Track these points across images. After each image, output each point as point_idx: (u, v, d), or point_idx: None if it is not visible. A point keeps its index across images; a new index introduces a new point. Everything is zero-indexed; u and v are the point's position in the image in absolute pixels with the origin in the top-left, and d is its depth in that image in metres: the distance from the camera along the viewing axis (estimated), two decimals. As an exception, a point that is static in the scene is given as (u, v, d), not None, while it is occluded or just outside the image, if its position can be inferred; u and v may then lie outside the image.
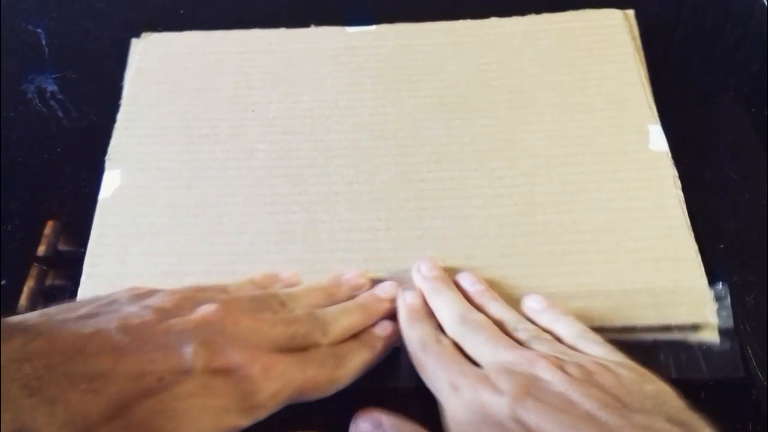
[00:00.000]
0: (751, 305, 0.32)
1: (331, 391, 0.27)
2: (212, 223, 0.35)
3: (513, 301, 0.31)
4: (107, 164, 0.37)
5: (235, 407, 0.24)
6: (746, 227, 0.34)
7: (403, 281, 0.32)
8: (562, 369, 0.25)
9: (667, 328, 0.31)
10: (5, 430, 0.19)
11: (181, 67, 0.41)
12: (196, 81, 0.41)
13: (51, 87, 0.42)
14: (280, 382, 0.25)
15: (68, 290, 0.34)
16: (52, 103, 0.41)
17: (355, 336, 0.30)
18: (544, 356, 0.26)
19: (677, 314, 0.31)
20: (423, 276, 0.32)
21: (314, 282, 0.32)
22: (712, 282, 0.32)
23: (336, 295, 0.31)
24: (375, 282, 0.32)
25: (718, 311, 0.31)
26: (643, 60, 0.40)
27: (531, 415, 0.23)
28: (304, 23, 0.43)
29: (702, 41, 0.43)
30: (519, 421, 0.23)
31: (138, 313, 0.25)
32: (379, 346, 0.30)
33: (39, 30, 0.46)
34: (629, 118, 0.37)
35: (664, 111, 0.38)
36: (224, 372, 0.24)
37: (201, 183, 0.36)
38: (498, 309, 0.30)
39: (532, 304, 0.31)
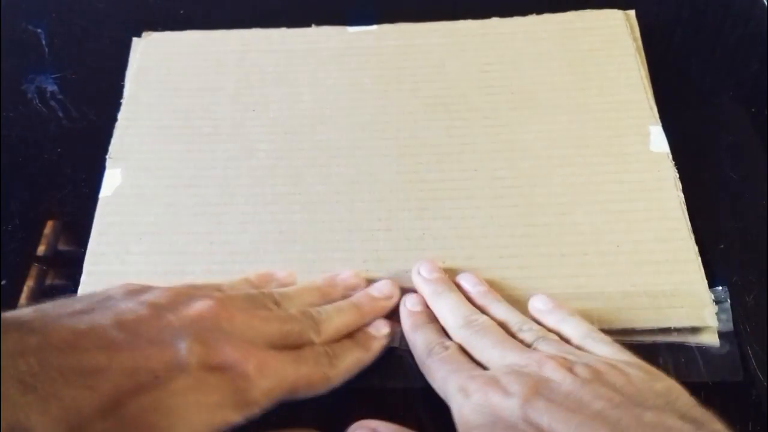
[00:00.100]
0: (751, 305, 0.32)
1: (324, 389, 0.28)
2: (212, 222, 0.35)
3: (513, 302, 0.31)
4: (108, 163, 0.37)
5: (229, 403, 0.24)
6: (746, 227, 0.34)
7: (403, 282, 0.32)
8: (570, 370, 0.25)
9: (666, 331, 0.31)
10: None
11: (182, 66, 0.41)
12: (196, 80, 0.41)
13: (51, 87, 0.42)
14: (273, 379, 0.25)
15: (68, 290, 0.34)
16: (52, 102, 0.41)
17: (349, 335, 0.30)
18: (552, 357, 0.26)
19: (677, 317, 0.31)
20: (423, 278, 0.32)
21: (309, 282, 0.32)
22: (712, 283, 0.32)
23: (330, 295, 0.31)
24: (370, 282, 0.32)
25: (718, 314, 0.31)
26: (644, 60, 0.40)
27: (542, 416, 0.23)
28: (305, 23, 0.43)
29: (702, 42, 0.43)
30: (531, 423, 0.23)
31: (133, 309, 0.25)
32: (373, 345, 0.30)
33: (39, 30, 0.45)
34: (630, 119, 0.37)
35: (664, 111, 0.38)
36: (219, 368, 0.24)
37: (201, 182, 0.36)
38: (501, 310, 0.30)
39: (538, 305, 0.31)
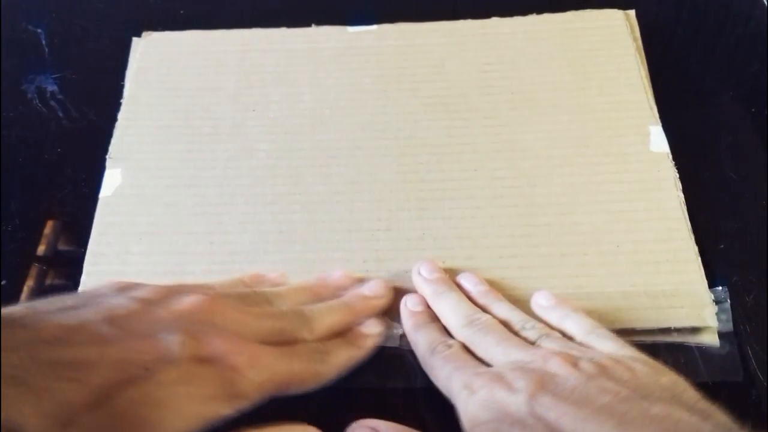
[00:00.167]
0: (751, 305, 0.32)
1: (316, 385, 0.28)
2: (212, 222, 0.35)
3: (513, 302, 0.31)
4: (108, 163, 0.37)
5: (220, 395, 0.24)
6: (746, 227, 0.34)
7: (403, 282, 0.32)
8: (575, 365, 0.25)
9: (666, 331, 0.31)
10: None
11: (182, 66, 0.41)
12: (196, 80, 0.41)
13: (51, 87, 0.42)
14: (265, 372, 0.25)
15: (68, 290, 0.34)
16: (53, 103, 0.41)
17: (341, 334, 0.30)
18: (557, 353, 0.26)
19: (677, 317, 0.31)
20: (424, 278, 0.32)
21: (300, 282, 0.32)
22: (712, 283, 0.32)
23: (322, 295, 0.31)
24: (361, 282, 0.32)
25: (718, 314, 0.31)
26: (644, 60, 0.40)
27: (549, 410, 0.23)
28: (305, 23, 0.43)
29: (702, 42, 0.43)
30: (538, 418, 0.23)
31: (123, 304, 0.25)
32: (364, 343, 0.30)
33: (39, 30, 0.45)
34: (630, 119, 0.37)
35: (664, 111, 0.38)
36: (209, 360, 0.24)
37: (201, 182, 0.36)
38: (503, 309, 0.30)
39: (541, 301, 0.31)
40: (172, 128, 0.39)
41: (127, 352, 0.23)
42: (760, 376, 0.30)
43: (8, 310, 0.23)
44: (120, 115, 0.39)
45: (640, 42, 0.41)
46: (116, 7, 0.47)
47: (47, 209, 0.37)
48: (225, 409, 0.24)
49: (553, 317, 0.30)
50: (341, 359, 0.28)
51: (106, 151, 0.38)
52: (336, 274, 0.32)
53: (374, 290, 0.31)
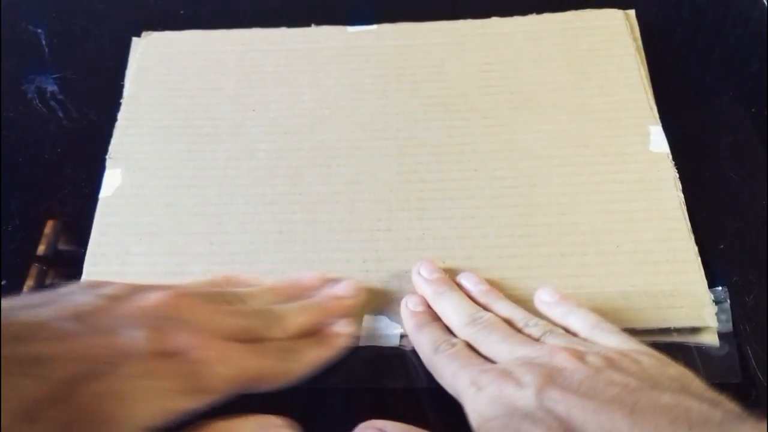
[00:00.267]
0: (751, 305, 0.32)
1: (286, 383, 0.27)
2: (212, 222, 0.35)
3: (513, 302, 0.31)
4: (108, 163, 0.37)
5: (185, 390, 0.24)
6: (746, 227, 0.34)
7: (404, 282, 0.32)
8: (582, 359, 0.25)
9: (666, 331, 0.31)
10: None
11: (182, 66, 0.41)
12: (196, 80, 0.41)
13: (51, 87, 0.42)
14: (233, 367, 0.25)
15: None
16: (53, 103, 0.41)
17: (312, 333, 0.30)
18: (564, 348, 0.26)
19: (676, 317, 0.31)
20: (424, 278, 0.32)
21: (273, 282, 0.32)
22: (711, 283, 0.32)
23: (294, 295, 0.31)
24: (334, 282, 0.32)
25: (718, 314, 0.31)
26: (644, 60, 0.40)
27: (558, 403, 0.23)
28: (304, 23, 0.43)
29: (702, 42, 0.43)
30: (548, 411, 0.23)
31: (89, 301, 0.25)
32: (335, 343, 0.29)
33: (39, 30, 0.46)
34: (630, 119, 0.37)
35: (664, 111, 0.38)
36: (174, 355, 0.24)
37: (201, 182, 0.36)
38: (505, 307, 0.30)
39: (544, 297, 0.31)
40: (172, 128, 0.39)
41: (90, 347, 0.23)
42: (760, 376, 0.30)
43: None
44: (120, 116, 0.39)
45: (639, 42, 0.41)
46: (116, 7, 0.47)
47: (47, 209, 0.37)
48: (191, 403, 0.24)
49: (557, 313, 0.30)
50: (312, 358, 0.28)
51: (106, 151, 0.38)
52: (308, 274, 0.32)
53: (346, 290, 0.31)
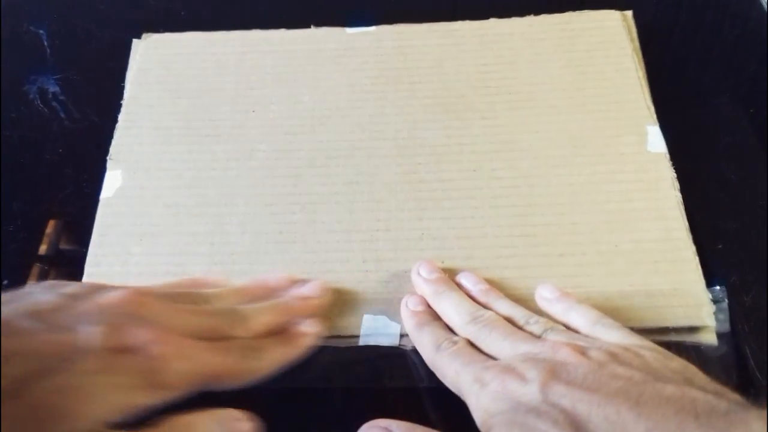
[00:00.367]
0: (749, 305, 0.32)
1: (249, 381, 0.27)
2: (212, 223, 0.35)
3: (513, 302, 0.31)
4: (109, 164, 0.38)
5: (141, 385, 0.24)
6: (744, 227, 0.35)
7: (403, 282, 0.32)
8: (584, 354, 0.25)
9: (664, 331, 0.31)
10: None
11: (182, 67, 0.42)
12: (196, 81, 0.41)
13: (53, 88, 0.42)
14: (191, 364, 0.25)
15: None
16: (54, 103, 0.42)
17: (278, 333, 0.29)
18: (566, 343, 0.26)
19: (675, 316, 0.31)
20: (424, 278, 0.32)
21: (239, 283, 0.32)
22: (709, 283, 0.32)
23: (260, 296, 0.31)
24: (301, 283, 0.32)
25: (716, 314, 0.31)
26: (642, 61, 0.40)
27: (563, 397, 0.23)
28: (304, 24, 0.43)
29: (700, 42, 0.43)
30: (553, 405, 0.23)
31: (48, 299, 0.25)
32: (301, 342, 0.29)
33: (41, 31, 0.46)
34: (628, 119, 0.37)
35: (662, 111, 0.38)
36: (129, 350, 0.24)
37: (202, 183, 0.37)
38: (505, 306, 0.30)
39: (545, 293, 0.31)
40: (173, 129, 0.39)
41: (44, 343, 0.23)
42: (758, 375, 0.30)
43: None
44: (120, 117, 0.40)
45: (637, 42, 0.41)
46: (117, 8, 0.47)
47: (48, 209, 0.37)
48: (147, 399, 0.24)
49: (558, 309, 0.30)
50: (276, 357, 0.28)
51: (107, 151, 0.38)
52: (275, 275, 0.32)
53: (312, 291, 0.31)
